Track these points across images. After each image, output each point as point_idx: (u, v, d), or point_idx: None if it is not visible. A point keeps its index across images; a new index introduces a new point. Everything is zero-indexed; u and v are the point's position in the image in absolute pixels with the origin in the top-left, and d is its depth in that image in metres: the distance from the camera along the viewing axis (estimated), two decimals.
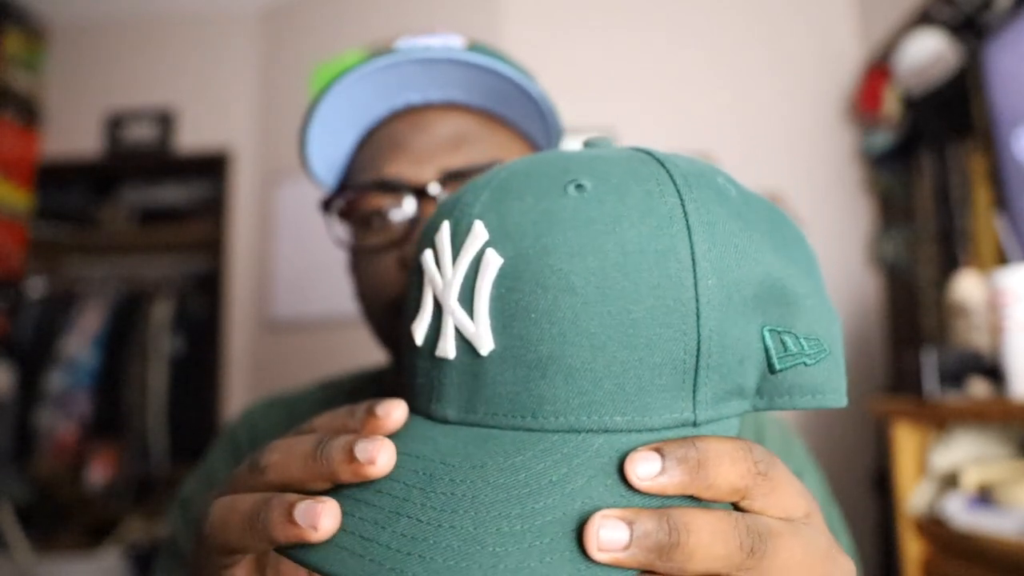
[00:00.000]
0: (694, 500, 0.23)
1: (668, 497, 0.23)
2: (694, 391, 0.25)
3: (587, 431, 0.25)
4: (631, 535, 0.21)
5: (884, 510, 1.67)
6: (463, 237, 0.27)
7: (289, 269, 2.32)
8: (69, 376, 2.46)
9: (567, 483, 0.23)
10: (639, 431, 0.25)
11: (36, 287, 2.62)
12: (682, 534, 0.21)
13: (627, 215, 0.25)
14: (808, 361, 0.26)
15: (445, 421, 0.27)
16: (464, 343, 0.26)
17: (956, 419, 1.18)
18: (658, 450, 0.23)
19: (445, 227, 0.28)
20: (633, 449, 0.23)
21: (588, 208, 0.26)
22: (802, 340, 0.27)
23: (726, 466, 0.23)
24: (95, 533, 2.39)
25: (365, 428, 0.27)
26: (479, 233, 0.27)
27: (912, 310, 1.83)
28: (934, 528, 1.17)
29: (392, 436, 0.27)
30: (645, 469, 0.23)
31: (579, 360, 0.25)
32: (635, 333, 0.25)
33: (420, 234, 0.31)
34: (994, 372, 1.15)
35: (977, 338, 1.27)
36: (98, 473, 2.40)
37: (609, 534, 0.21)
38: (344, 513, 0.24)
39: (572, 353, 0.25)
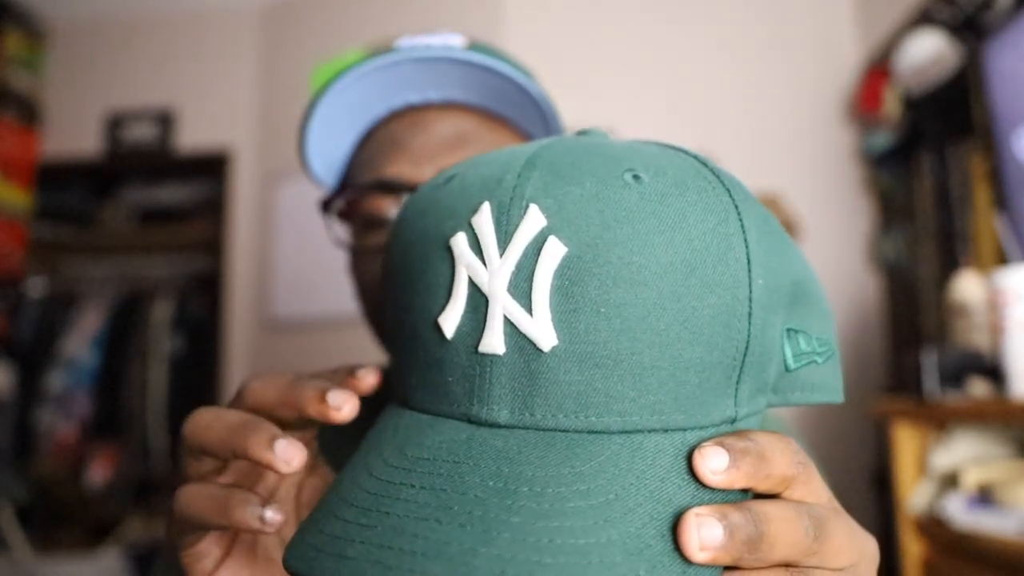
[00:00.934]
0: (744, 494, 0.24)
1: (727, 492, 0.23)
2: (736, 388, 0.26)
3: (649, 431, 0.24)
4: (724, 531, 0.21)
5: (884, 510, 1.67)
6: (515, 221, 0.25)
7: (289, 269, 2.32)
8: (69, 376, 2.46)
9: (645, 485, 0.23)
10: (693, 429, 0.25)
11: (36, 287, 2.62)
12: (764, 524, 0.22)
13: (690, 211, 0.25)
14: (818, 360, 0.27)
15: (495, 425, 0.25)
16: (518, 337, 0.24)
17: (956, 419, 1.18)
18: (721, 444, 0.23)
19: (486, 208, 0.25)
20: (697, 445, 0.23)
21: (652, 200, 0.25)
22: (814, 340, 0.27)
23: (778, 457, 0.23)
24: (95, 533, 2.39)
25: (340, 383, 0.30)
26: (536, 218, 0.24)
27: (912, 310, 1.83)
28: (934, 528, 1.16)
29: (438, 445, 0.25)
30: (717, 463, 0.23)
31: (648, 358, 0.24)
32: (699, 331, 0.24)
33: (434, 212, 0.28)
34: (994, 372, 1.15)
35: (977, 338, 1.27)
36: (98, 473, 2.40)
37: (708, 532, 0.21)
38: (416, 536, 0.22)
39: (642, 350, 0.24)
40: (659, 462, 0.23)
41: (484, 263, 0.25)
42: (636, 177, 0.25)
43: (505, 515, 0.22)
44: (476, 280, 0.25)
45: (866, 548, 0.25)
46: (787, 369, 0.27)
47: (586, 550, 0.21)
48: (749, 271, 0.25)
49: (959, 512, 1.10)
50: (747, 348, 0.25)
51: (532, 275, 0.24)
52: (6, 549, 2.12)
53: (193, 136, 2.53)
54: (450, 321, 0.25)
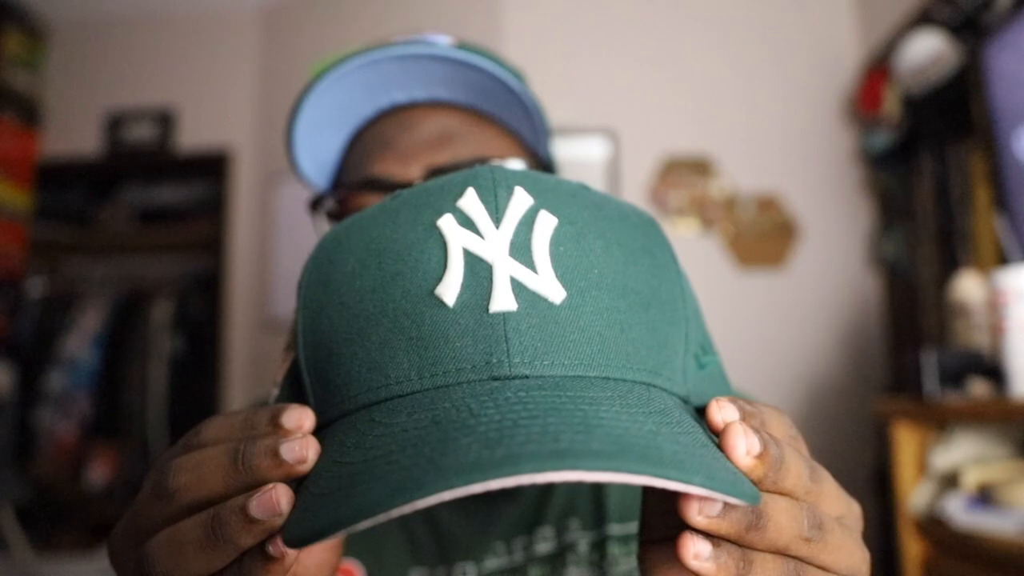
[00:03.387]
0: None
1: None
2: (684, 365, 0.29)
3: (649, 384, 0.27)
4: (760, 444, 0.23)
5: (884, 510, 1.66)
6: (504, 200, 0.27)
7: (289, 269, 2.32)
8: (69, 376, 2.46)
9: (674, 411, 0.25)
10: (673, 394, 0.27)
11: (36, 287, 2.62)
12: (783, 450, 0.24)
13: (628, 211, 0.31)
14: (715, 363, 0.31)
15: (523, 377, 0.25)
16: (528, 294, 0.26)
17: (956, 419, 1.18)
18: (733, 402, 0.25)
19: (471, 191, 0.27)
20: (712, 399, 0.25)
21: (604, 198, 0.30)
22: (708, 348, 0.31)
23: (775, 426, 0.25)
24: (95, 533, 2.39)
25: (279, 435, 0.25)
26: (523, 196, 0.27)
27: (912, 310, 1.83)
28: (934, 528, 1.16)
29: (471, 394, 0.24)
30: (730, 414, 0.24)
31: (636, 316, 0.27)
32: (665, 303, 0.28)
33: (406, 209, 0.29)
34: (994, 372, 1.15)
35: (977, 338, 1.27)
36: (98, 473, 2.40)
37: (752, 441, 0.23)
38: (517, 429, 0.21)
39: (628, 308, 0.27)
40: (670, 402, 0.26)
41: (479, 235, 0.27)
42: (584, 186, 0.30)
43: (594, 412, 0.22)
44: (473, 250, 0.26)
45: (852, 507, 0.27)
46: (696, 369, 0.31)
47: (677, 433, 0.23)
48: (676, 265, 0.31)
49: (959, 512, 1.10)
50: (687, 329, 0.29)
51: (529, 241, 0.26)
52: (6, 549, 2.12)
53: (193, 136, 2.53)
54: (450, 289, 0.26)
